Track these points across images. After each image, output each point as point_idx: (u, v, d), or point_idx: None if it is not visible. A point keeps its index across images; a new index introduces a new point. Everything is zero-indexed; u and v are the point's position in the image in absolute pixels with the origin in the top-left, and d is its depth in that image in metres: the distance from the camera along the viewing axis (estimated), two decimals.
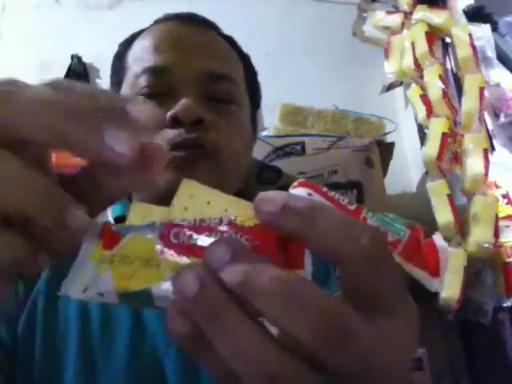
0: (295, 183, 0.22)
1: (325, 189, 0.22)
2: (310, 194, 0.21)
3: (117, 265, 0.19)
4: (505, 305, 0.92)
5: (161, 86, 0.50)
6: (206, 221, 0.20)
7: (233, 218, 0.20)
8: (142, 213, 0.21)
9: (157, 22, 0.57)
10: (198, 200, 0.21)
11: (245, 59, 0.59)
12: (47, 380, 0.42)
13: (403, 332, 0.21)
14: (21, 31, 1.47)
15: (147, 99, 0.48)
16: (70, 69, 1.40)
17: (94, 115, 0.20)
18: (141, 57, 0.52)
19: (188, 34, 0.53)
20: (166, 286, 0.19)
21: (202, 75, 0.50)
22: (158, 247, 0.20)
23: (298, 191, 0.22)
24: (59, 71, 1.39)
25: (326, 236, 0.19)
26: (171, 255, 0.20)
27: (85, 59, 1.43)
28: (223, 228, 0.20)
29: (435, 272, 0.21)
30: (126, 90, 0.52)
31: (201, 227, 0.20)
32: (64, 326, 0.44)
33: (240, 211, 0.21)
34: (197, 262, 0.19)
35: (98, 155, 0.20)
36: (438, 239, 0.22)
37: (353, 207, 0.22)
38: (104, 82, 1.43)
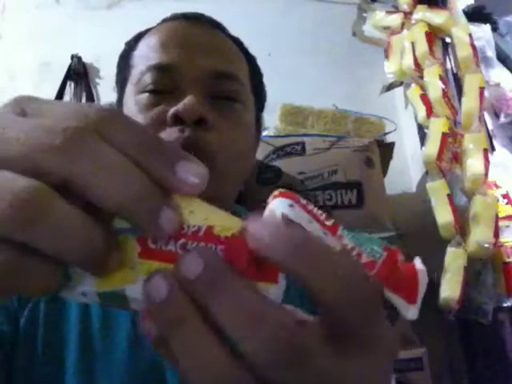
0: (276, 192, 0.22)
1: (304, 201, 0.22)
2: (291, 205, 0.21)
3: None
4: (505, 305, 0.92)
5: (166, 83, 0.50)
6: (184, 229, 0.20)
7: (210, 227, 0.21)
8: None
9: (164, 21, 0.57)
10: (181, 209, 0.21)
11: (251, 60, 0.59)
12: (48, 378, 0.42)
13: (375, 369, 0.20)
14: (21, 31, 1.48)
15: (151, 96, 0.48)
16: (69, 69, 1.40)
17: (167, 147, 0.20)
18: (146, 55, 0.52)
19: (194, 33, 0.53)
20: (139, 288, 0.20)
21: (207, 74, 0.50)
22: (136, 250, 0.20)
23: (279, 201, 0.22)
24: (59, 71, 1.39)
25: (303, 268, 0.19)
26: (147, 259, 0.20)
27: (85, 59, 1.43)
28: (200, 237, 0.20)
29: (411, 298, 0.21)
30: (130, 87, 0.52)
31: (179, 235, 0.20)
32: (65, 326, 0.44)
33: (220, 221, 0.21)
34: (169, 268, 0.20)
35: (172, 186, 0.20)
36: (418, 263, 0.21)
37: (329, 223, 0.21)
38: (104, 81, 1.43)
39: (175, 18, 0.57)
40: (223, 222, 0.21)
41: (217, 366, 0.18)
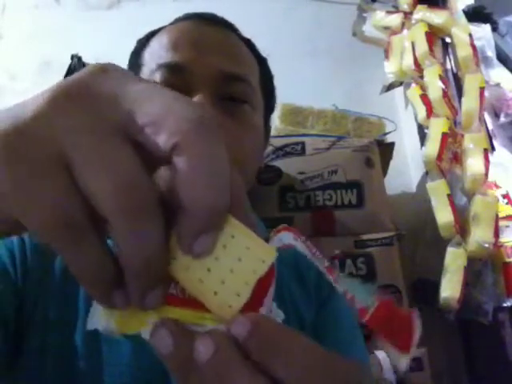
0: (280, 227, 0.23)
1: (303, 237, 0.23)
2: (295, 239, 0.22)
3: (116, 311, 0.22)
4: (505, 305, 0.92)
5: (175, 82, 0.49)
6: None
7: None
8: None
9: (176, 20, 0.57)
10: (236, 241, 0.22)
11: (262, 62, 0.59)
12: (58, 366, 0.42)
13: None
14: (21, 31, 1.48)
15: None
16: (69, 69, 1.40)
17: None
18: (157, 53, 0.52)
19: (206, 33, 0.53)
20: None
21: (218, 75, 0.50)
22: None
23: (286, 234, 0.23)
24: (59, 71, 1.39)
25: (281, 375, 0.19)
26: None
27: (85, 59, 1.43)
28: None
29: (405, 347, 0.21)
30: None
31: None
32: (73, 317, 0.45)
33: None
34: (175, 312, 0.21)
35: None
36: (415, 314, 0.22)
37: (327, 264, 0.22)
38: None
39: (188, 17, 0.57)
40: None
41: None
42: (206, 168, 0.19)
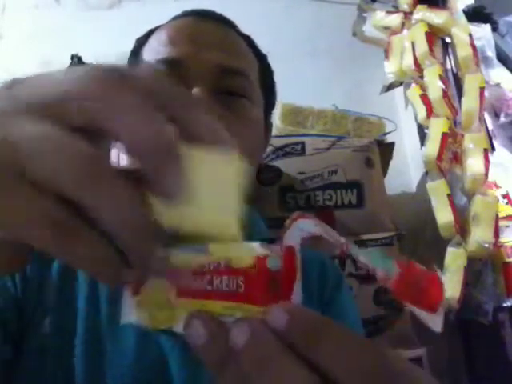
0: (295, 215, 0.23)
1: (323, 223, 0.23)
2: (316, 225, 0.22)
3: (145, 307, 0.23)
4: (505, 305, 0.92)
5: (173, 78, 0.50)
6: (205, 266, 0.22)
7: (228, 261, 0.22)
8: (156, 258, 0.23)
9: (175, 18, 0.57)
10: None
11: (261, 59, 0.59)
12: (57, 371, 0.42)
13: None
14: (21, 31, 1.48)
15: None
16: None
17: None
18: (155, 49, 0.52)
19: (204, 28, 0.53)
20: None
21: (215, 69, 0.50)
22: (173, 291, 0.23)
23: (305, 222, 0.22)
24: None
25: (326, 365, 0.19)
26: (183, 298, 0.23)
27: (85, 59, 1.43)
28: (221, 271, 0.22)
29: (433, 308, 0.21)
30: None
31: (203, 272, 0.22)
32: (73, 318, 0.45)
33: (235, 253, 0.22)
34: (205, 306, 0.22)
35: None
36: (438, 272, 0.22)
37: (342, 241, 0.23)
38: None
39: (186, 14, 0.57)
40: (238, 253, 0.22)
41: None
42: (126, 120, 0.19)
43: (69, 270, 0.47)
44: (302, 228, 0.22)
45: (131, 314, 0.24)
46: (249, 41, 0.58)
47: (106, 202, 0.18)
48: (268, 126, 0.61)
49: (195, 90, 0.47)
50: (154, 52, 0.52)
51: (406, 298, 0.21)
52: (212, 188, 0.22)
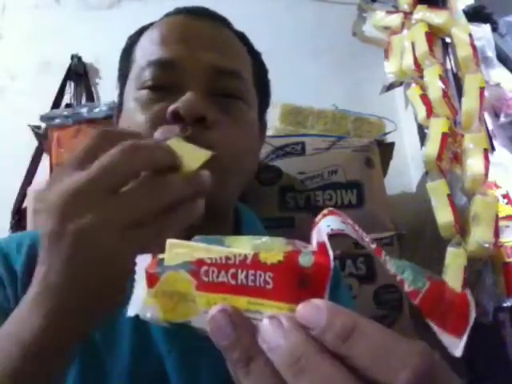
0: (325, 211, 0.23)
1: (350, 221, 0.22)
2: (343, 222, 0.22)
3: (160, 299, 0.22)
4: (505, 305, 0.92)
5: (166, 79, 0.48)
6: (231, 258, 0.21)
7: (256, 255, 0.21)
8: (176, 251, 0.23)
9: (166, 15, 0.56)
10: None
11: (255, 56, 0.58)
12: None
13: None
14: (21, 31, 1.48)
15: (151, 92, 0.48)
16: (69, 69, 1.40)
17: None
18: (147, 49, 0.51)
19: (196, 27, 0.52)
20: (203, 320, 0.21)
21: (209, 70, 0.49)
22: (193, 283, 0.22)
23: (332, 219, 0.22)
24: (59, 71, 1.39)
25: (364, 363, 0.19)
26: (204, 291, 0.22)
27: (85, 59, 1.43)
28: (248, 265, 0.21)
29: (458, 332, 0.20)
30: (130, 83, 0.51)
31: (227, 265, 0.21)
32: None
33: (264, 247, 0.22)
34: (227, 300, 0.21)
35: None
36: (468, 295, 0.21)
37: (374, 246, 0.22)
38: (104, 81, 1.43)
39: (178, 12, 0.55)
40: (267, 246, 0.22)
41: None
42: None
43: None
44: (329, 225, 0.22)
45: (141, 305, 0.23)
46: (242, 38, 0.57)
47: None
48: (263, 125, 0.60)
49: (190, 93, 0.46)
50: (146, 52, 0.51)
51: (432, 315, 0.20)
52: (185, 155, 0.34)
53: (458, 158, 1.03)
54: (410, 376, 0.18)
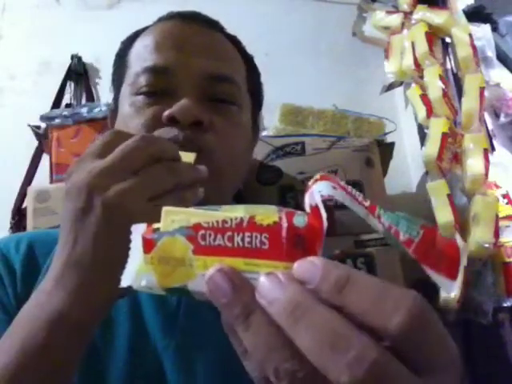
0: (317, 176, 0.23)
1: (342, 183, 0.23)
2: (334, 188, 0.23)
3: (156, 265, 0.22)
4: (505, 305, 0.92)
5: (161, 85, 0.49)
6: (227, 222, 0.22)
7: (252, 217, 0.22)
8: (172, 218, 0.23)
9: (160, 20, 0.57)
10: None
11: (248, 60, 0.59)
12: None
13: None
14: (21, 31, 1.47)
15: (146, 98, 0.48)
16: (69, 69, 1.40)
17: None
18: (142, 55, 0.52)
19: (190, 33, 0.53)
20: (201, 283, 0.21)
21: (203, 76, 0.50)
22: (189, 248, 0.22)
23: (323, 184, 0.23)
24: (59, 71, 1.39)
25: (359, 309, 0.19)
26: (201, 255, 0.22)
27: (85, 59, 1.43)
28: (244, 228, 0.22)
29: (452, 274, 0.21)
30: (126, 88, 0.52)
31: (224, 228, 0.22)
32: None
33: (259, 211, 0.23)
34: (224, 262, 0.21)
35: None
36: (458, 239, 0.22)
37: (367, 204, 0.23)
38: (104, 81, 1.43)
39: (171, 17, 0.56)
40: (262, 211, 0.22)
41: (275, 358, 0.19)
42: None
43: None
44: (320, 190, 0.23)
45: (136, 273, 0.23)
46: (235, 42, 0.58)
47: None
48: (256, 126, 0.61)
49: (185, 99, 0.47)
50: (141, 58, 0.51)
51: (426, 261, 0.21)
52: None
53: (457, 158, 1.03)
54: (405, 317, 0.19)
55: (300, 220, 0.22)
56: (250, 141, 0.58)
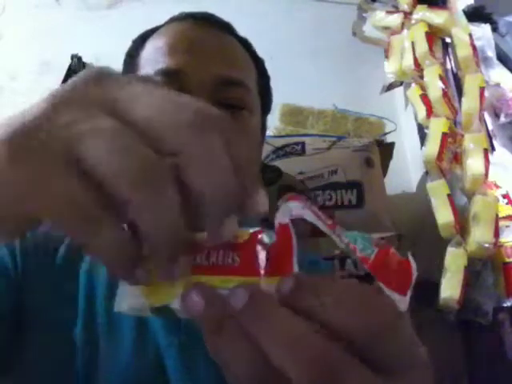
0: (287, 196, 0.25)
1: (309, 203, 0.24)
2: (303, 208, 0.24)
3: (141, 287, 0.23)
4: (505, 305, 0.92)
5: (172, 88, 0.49)
6: (201, 242, 0.23)
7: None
8: None
9: (171, 20, 0.57)
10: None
11: (258, 63, 0.59)
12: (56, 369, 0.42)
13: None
14: (21, 31, 1.48)
15: None
16: (69, 69, 1.40)
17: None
18: (154, 57, 0.51)
19: (203, 36, 0.53)
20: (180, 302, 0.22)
21: (215, 80, 0.50)
22: None
23: (294, 204, 0.24)
24: (59, 71, 1.39)
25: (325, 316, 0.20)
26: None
27: (85, 59, 1.43)
28: (219, 246, 0.23)
29: (402, 291, 0.23)
30: None
31: (200, 249, 0.23)
32: (73, 314, 0.45)
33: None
34: (202, 280, 0.23)
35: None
36: (410, 259, 0.24)
37: (330, 222, 0.24)
38: None
39: (183, 17, 0.56)
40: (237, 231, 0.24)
41: (249, 369, 0.20)
42: (209, 166, 0.20)
43: (71, 267, 0.47)
44: (291, 209, 0.24)
45: (127, 295, 0.24)
46: (246, 45, 0.58)
47: (152, 206, 0.19)
48: (264, 129, 0.62)
49: None
50: (152, 60, 0.51)
51: (380, 277, 0.22)
52: None
53: (457, 158, 1.03)
54: (366, 318, 0.20)
55: (268, 237, 0.23)
56: (260, 144, 0.59)
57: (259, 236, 0.24)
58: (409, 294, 0.23)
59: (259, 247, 0.23)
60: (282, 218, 0.24)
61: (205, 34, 0.53)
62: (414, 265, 0.23)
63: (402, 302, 0.22)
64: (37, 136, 0.20)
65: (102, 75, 0.22)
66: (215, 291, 0.22)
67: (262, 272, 0.23)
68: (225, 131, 0.21)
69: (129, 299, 0.24)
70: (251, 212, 0.22)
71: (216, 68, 0.50)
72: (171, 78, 0.49)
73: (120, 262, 0.21)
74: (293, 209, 0.24)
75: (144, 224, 0.20)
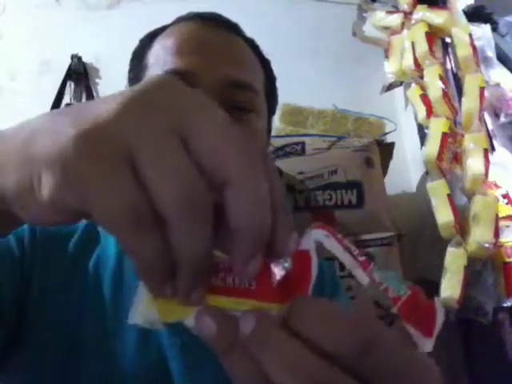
0: (314, 224, 0.25)
1: (339, 235, 0.24)
2: (327, 236, 0.24)
3: (158, 302, 0.24)
4: (505, 305, 0.92)
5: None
6: (220, 264, 0.24)
7: None
8: None
9: (179, 20, 0.56)
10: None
11: (265, 64, 0.59)
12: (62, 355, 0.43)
13: None
14: (21, 31, 1.47)
15: None
16: (69, 69, 1.40)
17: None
18: (162, 57, 0.51)
19: (211, 37, 0.53)
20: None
21: (224, 82, 0.50)
22: None
23: (317, 232, 0.24)
24: (59, 71, 1.39)
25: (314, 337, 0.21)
26: None
27: (85, 59, 1.43)
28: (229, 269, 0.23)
29: (429, 333, 0.23)
30: None
31: (217, 269, 0.24)
32: (80, 315, 0.45)
33: None
34: (217, 301, 0.23)
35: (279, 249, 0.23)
36: (437, 303, 0.24)
37: (361, 258, 0.24)
38: (104, 81, 1.43)
39: (191, 17, 0.56)
40: None
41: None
42: (253, 200, 0.21)
43: (81, 262, 0.47)
44: (314, 237, 0.24)
45: (140, 313, 0.24)
46: (253, 46, 0.58)
47: (191, 237, 0.20)
48: (269, 130, 0.62)
49: None
50: (160, 60, 0.51)
51: (408, 318, 0.23)
52: None
53: (457, 158, 1.03)
54: (353, 341, 0.21)
55: (286, 262, 0.23)
56: (267, 145, 0.60)
57: (277, 260, 0.24)
58: (434, 335, 0.23)
59: (276, 272, 0.23)
60: (303, 244, 0.24)
61: (213, 34, 0.53)
62: (440, 308, 0.24)
63: (428, 343, 0.23)
64: (105, 134, 0.20)
65: (177, 87, 0.23)
66: (227, 315, 0.22)
67: (276, 297, 0.23)
68: (270, 173, 0.22)
69: (144, 312, 0.24)
70: (279, 254, 0.23)
71: (225, 69, 0.50)
72: (180, 78, 0.49)
73: (156, 271, 0.21)
74: (316, 237, 0.24)
75: (178, 247, 0.20)
